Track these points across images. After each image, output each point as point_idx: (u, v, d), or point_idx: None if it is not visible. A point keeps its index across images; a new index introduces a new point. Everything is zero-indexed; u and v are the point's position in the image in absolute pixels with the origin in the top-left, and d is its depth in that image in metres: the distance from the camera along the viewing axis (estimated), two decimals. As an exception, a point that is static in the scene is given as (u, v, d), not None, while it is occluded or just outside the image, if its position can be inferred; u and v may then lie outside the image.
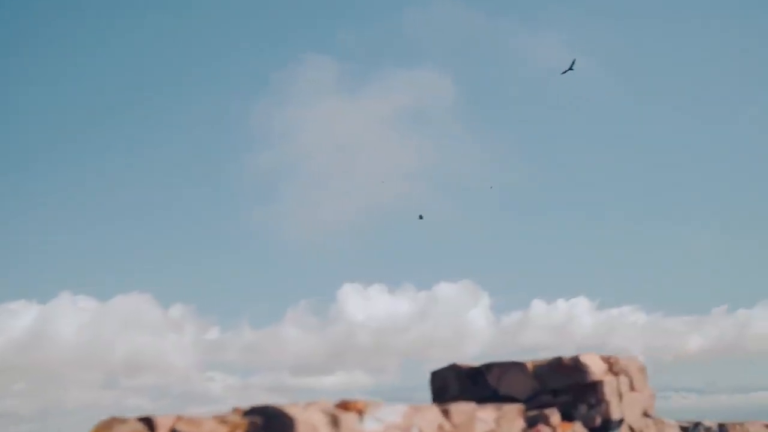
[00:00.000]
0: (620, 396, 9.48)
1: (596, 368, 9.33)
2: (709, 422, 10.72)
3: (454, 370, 9.70)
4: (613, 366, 9.56)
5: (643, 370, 10.07)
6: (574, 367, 9.29)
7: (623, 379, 9.61)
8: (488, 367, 9.55)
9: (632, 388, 9.75)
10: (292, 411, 6.13)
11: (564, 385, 9.31)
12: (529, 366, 9.44)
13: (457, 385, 9.65)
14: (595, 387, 9.25)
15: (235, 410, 6.16)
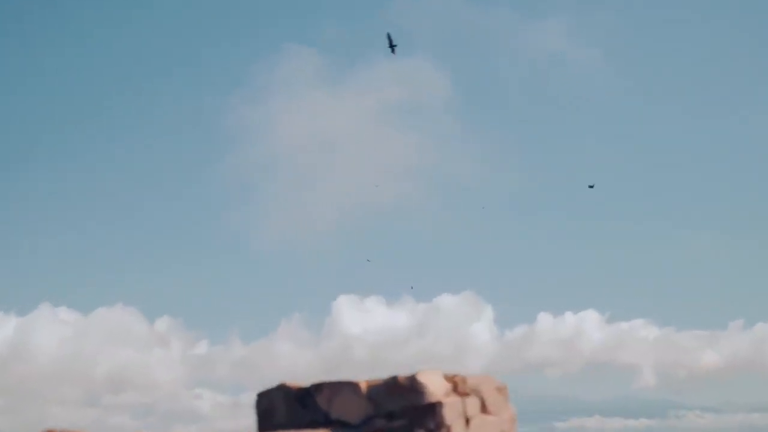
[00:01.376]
0: (467, 419, 8.43)
1: (436, 388, 8.31)
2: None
3: (282, 390, 8.72)
4: (458, 386, 8.52)
5: (502, 389, 9.01)
6: (410, 388, 8.28)
7: (472, 400, 8.56)
8: (318, 388, 8.56)
9: (485, 410, 8.69)
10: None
11: (399, 407, 8.30)
12: (363, 386, 8.44)
13: (284, 408, 8.66)
14: (434, 409, 8.21)
15: None
